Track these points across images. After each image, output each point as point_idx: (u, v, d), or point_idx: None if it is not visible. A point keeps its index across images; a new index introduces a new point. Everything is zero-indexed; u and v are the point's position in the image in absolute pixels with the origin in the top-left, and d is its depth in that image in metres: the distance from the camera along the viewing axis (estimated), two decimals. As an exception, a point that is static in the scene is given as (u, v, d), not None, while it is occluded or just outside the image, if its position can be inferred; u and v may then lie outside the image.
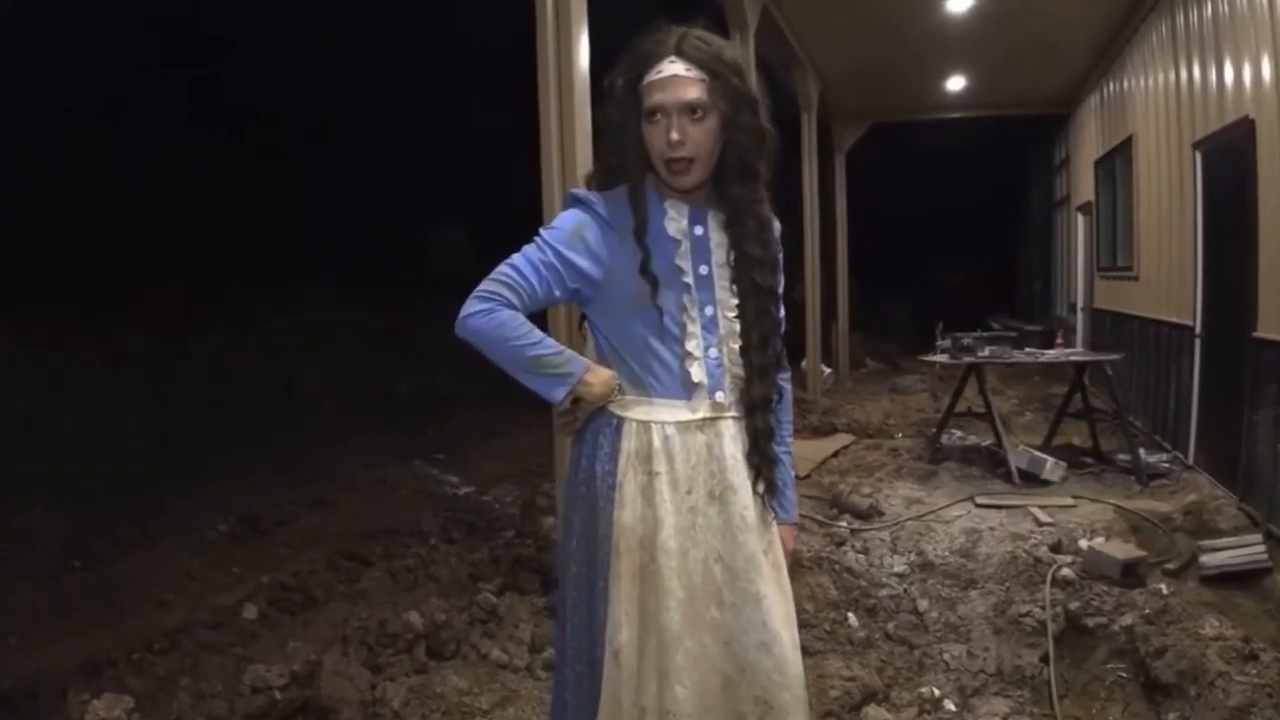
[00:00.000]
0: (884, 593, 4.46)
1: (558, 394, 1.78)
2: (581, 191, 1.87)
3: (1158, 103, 7.21)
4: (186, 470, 6.80)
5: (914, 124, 13.47)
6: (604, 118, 1.87)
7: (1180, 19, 6.46)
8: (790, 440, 2.04)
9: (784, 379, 1.98)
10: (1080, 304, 11.33)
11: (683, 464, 1.81)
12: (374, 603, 4.28)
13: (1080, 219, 11.33)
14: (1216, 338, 6.00)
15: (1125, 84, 8.48)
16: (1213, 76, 5.79)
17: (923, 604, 4.28)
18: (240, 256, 11.61)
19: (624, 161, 1.83)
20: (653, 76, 1.77)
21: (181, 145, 12.22)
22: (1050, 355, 6.76)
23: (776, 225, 1.94)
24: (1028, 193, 15.82)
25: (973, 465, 6.81)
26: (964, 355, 6.56)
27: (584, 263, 1.79)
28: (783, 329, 1.95)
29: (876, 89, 11.31)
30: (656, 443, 1.81)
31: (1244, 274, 5.20)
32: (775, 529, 1.93)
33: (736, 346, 1.87)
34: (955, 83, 10.77)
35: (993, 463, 6.82)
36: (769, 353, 1.89)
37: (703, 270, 1.86)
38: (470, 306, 1.73)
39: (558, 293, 1.80)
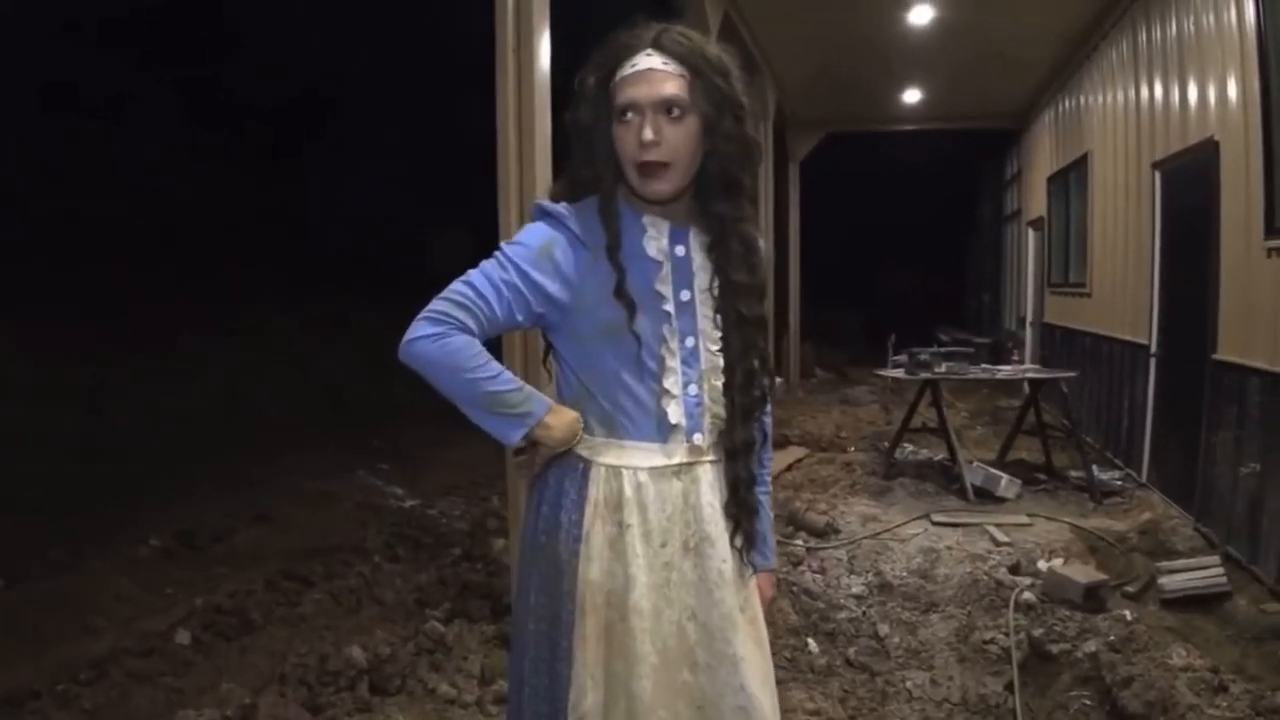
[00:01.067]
0: (843, 615, 4.35)
1: (513, 436, 1.59)
2: (549, 203, 1.65)
3: (1116, 121, 7.22)
4: (124, 478, 6.53)
5: (867, 135, 13.49)
6: (572, 120, 1.66)
7: (1142, 38, 6.47)
8: (769, 481, 1.88)
9: (766, 416, 1.81)
10: (1030, 318, 11.40)
11: (657, 514, 1.63)
12: (314, 628, 4.07)
13: (1031, 234, 11.39)
14: (1173, 357, 6.00)
15: (1082, 101, 8.51)
16: (1175, 96, 5.79)
17: (883, 628, 4.18)
18: (199, 260, 11.31)
19: (594, 169, 1.63)
20: (626, 71, 1.58)
21: (175, 143, 11.94)
22: (1006, 372, 6.74)
23: (762, 246, 1.75)
24: (978, 206, 15.95)
25: (927, 481, 6.76)
26: (921, 371, 6.50)
27: (552, 285, 1.59)
28: (769, 363, 1.78)
29: (833, 99, 11.29)
30: (628, 491, 1.63)
31: (1203, 296, 5.19)
32: (753, 581, 1.76)
33: (719, 384, 1.68)
34: (911, 95, 10.78)
35: (947, 478, 6.78)
36: (754, 391, 1.70)
37: (684, 296, 1.66)
38: (418, 329, 1.50)
39: (520, 317, 1.59)
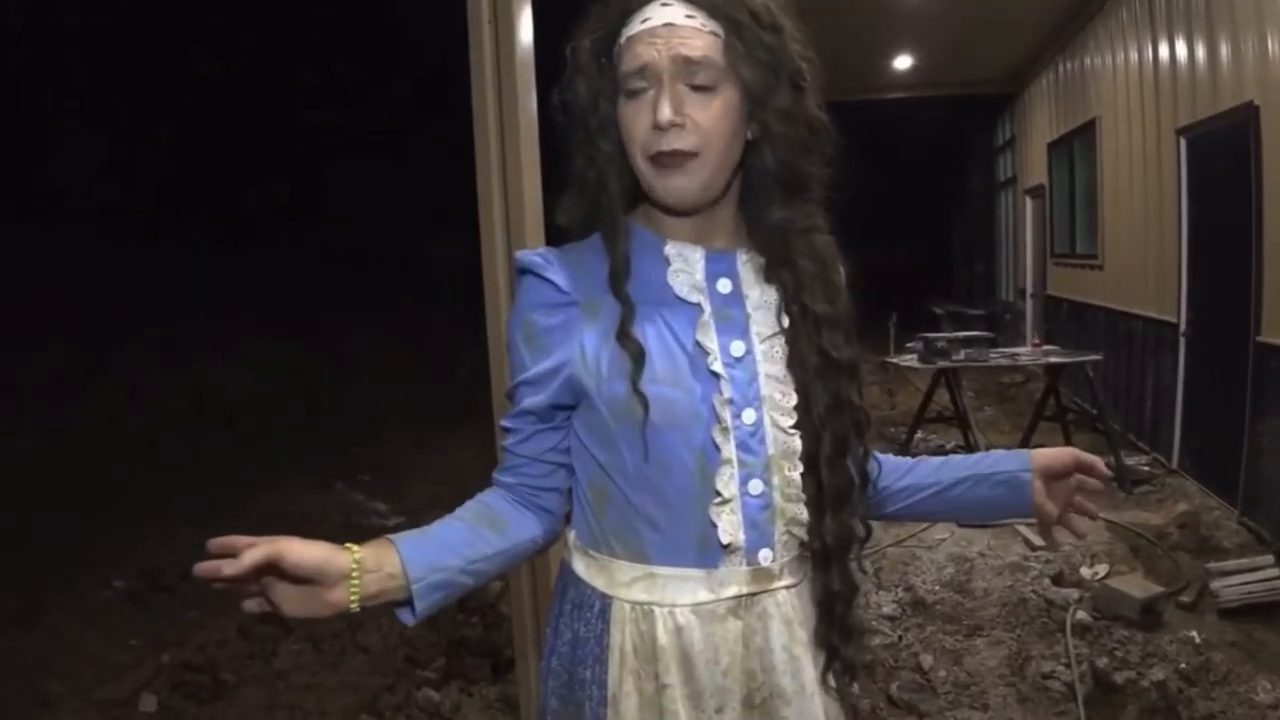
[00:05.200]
0: (878, 642, 3.96)
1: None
2: (528, 256, 1.19)
3: (1129, 84, 6.79)
4: (85, 506, 6.05)
5: (848, 104, 13.01)
6: (564, 103, 1.20)
7: (1160, -7, 6.04)
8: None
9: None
10: (1030, 289, 11.01)
11: (707, 669, 1.17)
12: (292, 687, 3.66)
13: (1029, 202, 10.99)
14: (1206, 337, 5.62)
15: (1086, 63, 8.07)
16: (1201, 57, 5.37)
17: (926, 659, 3.78)
18: (160, 264, 10.78)
19: (598, 169, 1.18)
20: (635, 27, 1.12)
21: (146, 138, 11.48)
22: (1027, 357, 6.34)
23: (843, 267, 1.27)
24: (966, 173, 15.50)
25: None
26: (937, 359, 6.08)
27: (549, 362, 1.17)
28: (868, 426, 1.26)
29: (820, 68, 10.80)
30: (663, 637, 1.16)
31: (1244, 272, 4.82)
32: None
33: (795, 474, 1.18)
34: (902, 61, 10.31)
35: (966, 471, 6.40)
36: (847, 467, 1.20)
37: (737, 350, 1.17)
38: None
39: (562, 430, 1.22)
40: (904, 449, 6.64)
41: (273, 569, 1.00)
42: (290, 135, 13.03)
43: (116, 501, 6.24)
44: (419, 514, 6.15)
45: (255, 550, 0.98)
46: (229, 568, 0.96)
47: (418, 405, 9.76)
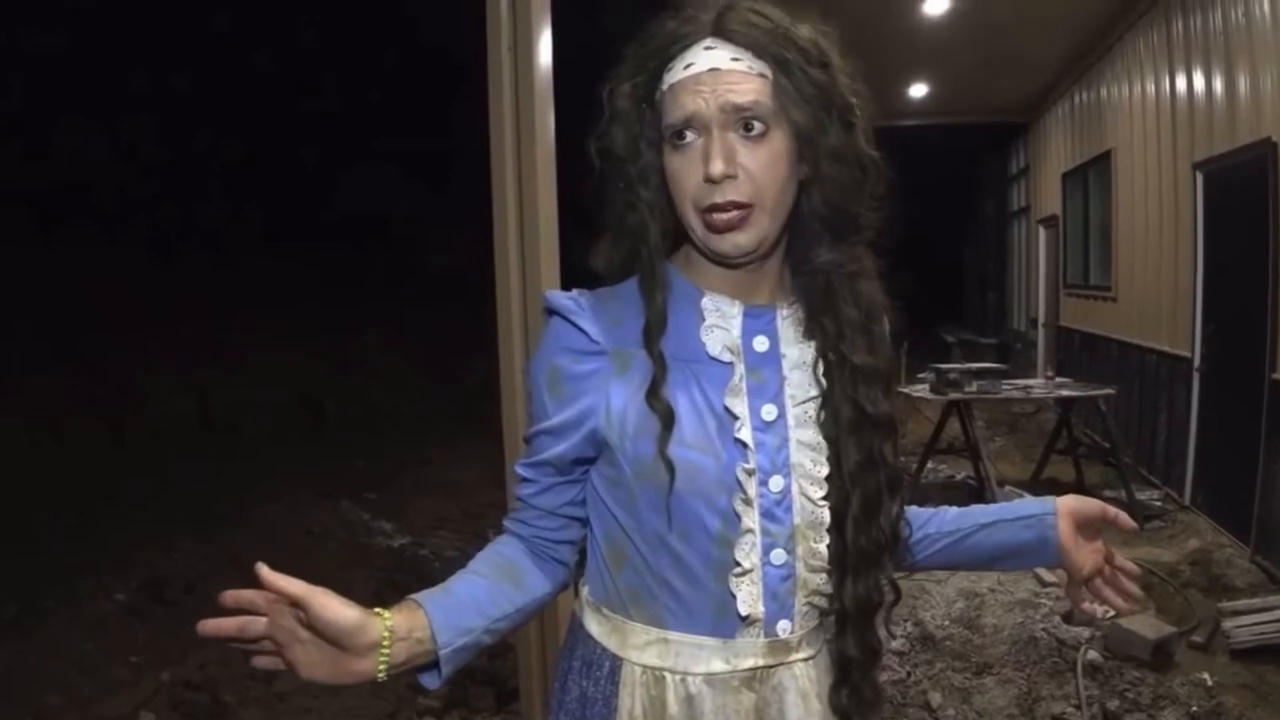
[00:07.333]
0: (885, 678, 3.91)
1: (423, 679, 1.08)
2: (559, 298, 1.14)
3: (1145, 117, 6.78)
4: (86, 514, 6.05)
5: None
6: (601, 150, 1.15)
7: (1177, 27, 6.02)
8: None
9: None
10: (1042, 319, 10.97)
11: None
12: (293, 711, 3.61)
13: (1043, 232, 10.96)
14: (1220, 373, 5.58)
15: (1102, 94, 8.06)
16: (1219, 92, 5.35)
17: (935, 697, 3.74)
18: (166, 265, 10.78)
19: (639, 216, 1.13)
20: (679, 74, 1.07)
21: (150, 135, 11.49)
22: (1040, 389, 6.29)
23: (888, 319, 1.20)
24: (979, 201, 15.48)
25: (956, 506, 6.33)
26: (950, 390, 6.02)
27: (570, 412, 1.12)
28: (901, 485, 1.19)
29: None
30: (673, 705, 1.12)
31: (1259, 309, 4.78)
32: None
33: (821, 545, 1.14)
34: (918, 89, 10.30)
35: (977, 502, 6.34)
36: (876, 528, 1.14)
37: (768, 414, 1.12)
38: None
39: (579, 483, 1.18)
40: (913, 480, 6.60)
41: (297, 613, 0.95)
42: (297, 144, 13.08)
43: (118, 509, 6.24)
44: (423, 534, 6.14)
45: (289, 581, 0.94)
46: (259, 596, 0.95)
47: (424, 414, 9.75)
